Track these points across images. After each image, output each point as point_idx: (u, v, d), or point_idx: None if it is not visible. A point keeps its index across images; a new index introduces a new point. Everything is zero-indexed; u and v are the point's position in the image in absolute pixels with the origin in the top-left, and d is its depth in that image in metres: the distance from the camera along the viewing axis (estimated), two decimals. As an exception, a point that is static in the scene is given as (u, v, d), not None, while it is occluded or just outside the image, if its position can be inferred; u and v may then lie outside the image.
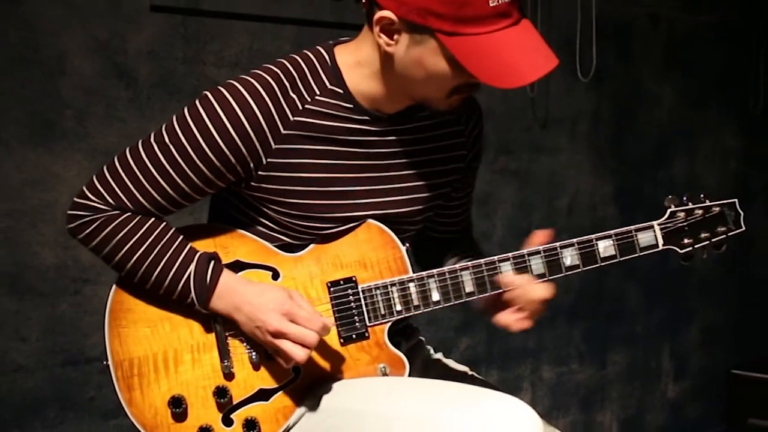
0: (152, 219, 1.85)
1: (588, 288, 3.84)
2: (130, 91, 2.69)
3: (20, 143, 2.55)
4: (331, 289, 1.89)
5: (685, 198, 1.96)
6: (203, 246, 1.87)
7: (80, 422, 2.70)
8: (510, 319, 1.90)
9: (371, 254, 1.91)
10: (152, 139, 1.82)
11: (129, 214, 1.83)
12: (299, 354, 1.76)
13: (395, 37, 1.76)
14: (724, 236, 1.96)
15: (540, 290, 1.88)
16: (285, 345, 1.76)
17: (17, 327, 2.59)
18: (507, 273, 1.90)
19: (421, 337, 2.14)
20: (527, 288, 1.88)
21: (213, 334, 1.86)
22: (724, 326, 4.38)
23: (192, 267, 1.81)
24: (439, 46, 1.73)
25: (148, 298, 1.87)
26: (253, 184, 1.84)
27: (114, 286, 1.87)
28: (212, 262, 1.82)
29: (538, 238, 1.94)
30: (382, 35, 1.76)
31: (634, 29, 3.88)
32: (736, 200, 1.96)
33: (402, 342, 1.99)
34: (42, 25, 2.55)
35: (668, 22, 3.99)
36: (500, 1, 1.69)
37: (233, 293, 1.81)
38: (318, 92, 1.85)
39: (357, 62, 1.86)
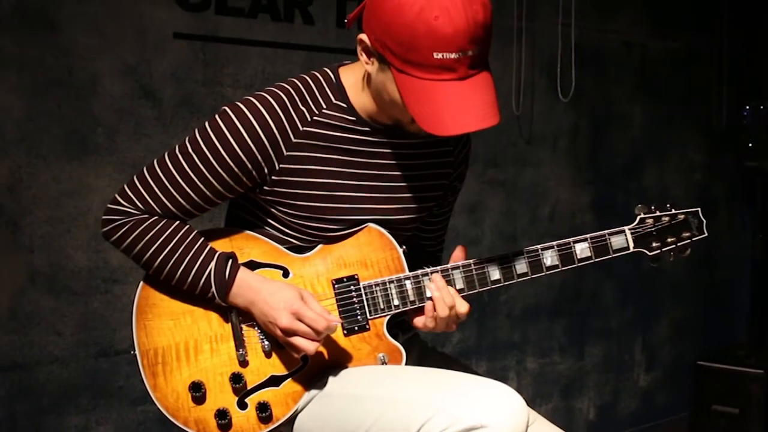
0: (177, 222, 1.86)
1: (568, 287, 3.84)
2: (155, 110, 2.70)
3: (57, 157, 2.56)
4: (336, 285, 1.90)
5: (653, 207, 1.98)
6: (222, 247, 1.88)
7: (110, 408, 2.70)
8: (422, 321, 1.91)
9: (372, 255, 1.92)
10: (177, 150, 1.84)
11: (156, 217, 1.85)
12: (308, 347, 1.78)
13: (371, 58, 1.78)
14: (689, 241, 1.98)
15: (462, 305, 1.89)
16: (294, 340, 1.78)
17: (54, 323, 2.59)
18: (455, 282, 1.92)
19: (418, 333, 2.15)
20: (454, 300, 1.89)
21: (229, 326, 1.87)
22: (690, 322, 4.38)
23: (212, 264, 1.83)
24: (393, 79, 1.74)
25: (171, 294, 1.88)
26: (266, 188, 1.86)
27: (141, 284, 1.88)
28: (230, 261, 1.84)
29: (457, 254, 1.94)
30: (362, 54, 1.79)
31: (610, 54, 3.88)
32: (699, 209, 1.98)
33: (399, 334, 2.00)
34: (77, 52, 2.56)
35: (640, 48, 3.99)
36: (445, 57, 1.67)
37: (249, 289, 1.83)
38: (324, 106, 1.87)
39: (357, 80, 1.88)
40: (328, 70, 1.91)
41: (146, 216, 1.85)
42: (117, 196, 1.87)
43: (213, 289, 1.82)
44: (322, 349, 1.86)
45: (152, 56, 2.69)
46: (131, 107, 2.66)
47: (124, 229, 1.85)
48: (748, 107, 3.85)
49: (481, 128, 1.70)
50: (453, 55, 1.67)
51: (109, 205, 1.87)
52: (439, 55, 1.67)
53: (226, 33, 2.81)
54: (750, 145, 3.85)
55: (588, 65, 3.72)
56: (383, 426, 1.72)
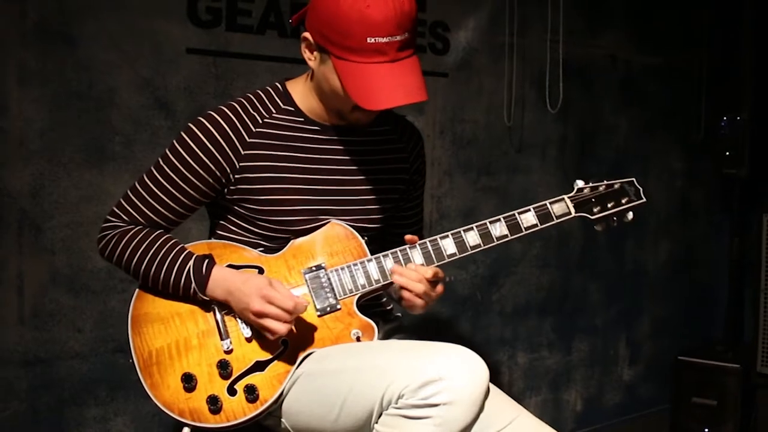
0: (158, 231, 1.96)
1: (556, 287, 3.84)
2: (169, 121, 2.70)
3: (77, 165, 2.56)
4: (306, 275, 1.96)
5: (590, 181, 2.10)
6: (201, 253, 1.96)
7: (127, 400, 2.70)
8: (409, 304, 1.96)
9: (336, 245, 1.98)
10: (153, 167, 1.97)
11: (140, 227, 1.96)
12: (279, 329, 1.84)
13: (314, 53, 1.90)
14: (629, 206, 2.08)
15: (427, 271, 1.94)
16: (266, 322, 1.83)
17: (74, 320, 2.59)
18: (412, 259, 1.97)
19: (404, 325, 2.17)
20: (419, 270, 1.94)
21: (213, 321, 1.92)
22: (671, 320, 4.37)
23: (191, 263, 1.90)
24: (333, 66, 1.84)
25: (159, 302, 1.94)
26: (231, 188, 1.95)
27: (133, 298, 1.96)
28: (206, 260, 1.91)
29: (410, 238, 2.01)
30: (306, 51, 1.91)
31: (596, 68, 3.88)
32: (634, 179, 2.07)
33: (380, 323, 2.03)
34: (96, 66, 2.56)
35: (625, 63, 3.99)
36: (377, 41, 1.78)
37: (225, 281, 1.89)
38: (274, 111, 1.99)
39: (302, 87, 2.01)
40: (276, 83, 2.05)
41: (131, 227, 1.96)
42: (107, 216, 1.99)
43: (193, 284, 1.88)
44: (300, 331, 1.90)
45: (167, 70, 2.69)
46: (147, 118, 2.67)
47: (112, 242, 1.96)
48: (725, 118, 3.85)
49: (409, 102, 1.82)
50: (383, 40, 1.78)
51: (102, 225, 2.00)
52: (372, 40, 1.78)
53: (236, 48, 2.81)
54: (727, 153, 3.85)
55: (575, 79, 3.72)
56: (357, 393, 1.75)
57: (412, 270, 1.93)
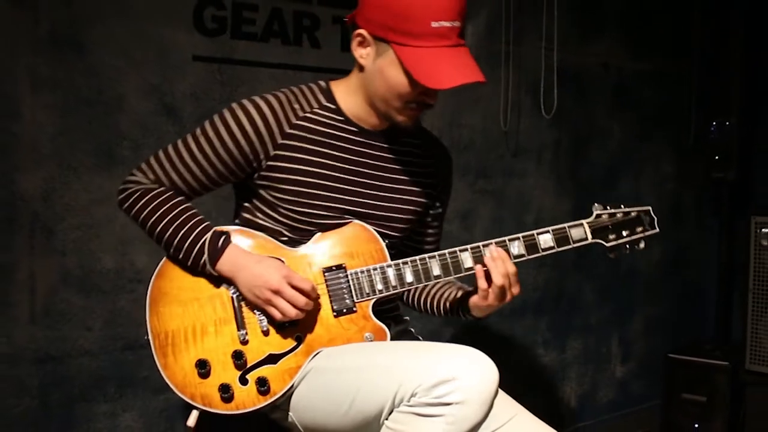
0: (182, 197, 1.94)
1: (551, 287, 3.84)
2: (176, 126, 2.70)
3: (87, 169, 2.56)
4: (326, 274, 1.94)
5: (608, 206, 2.06)
6: None
7: (135, 397, 2.70)
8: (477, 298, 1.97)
9: (357, 247, 1.96)
10: (188, 135, 1.95)
11: (164, 188, 1.93)
12: (290, 311, 1.83)
13: (367, 50, 1.88)
14: (642, 235, 2.07)
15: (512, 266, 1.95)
16: (280, 302, 1.83)
17: (84, 319, 2.59)
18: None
19: (411, 328, 2.17)
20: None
21: (231, 310, 1.90)
22: (662, 319, 4.38)
23: (208, 235, 1.89)
24: (395, 57, 1.82)
25: (180, 284, 1.91)
26: (262, 173, 1.93)
27: (153, 276, 1.92)
28: (224, 236, 1.90)
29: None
30: (358, 48, 1.89)
31: (589, 75, 3.89)
32: (650, 207, 2.06)
33: (392, 324, 2.02)
34: (105, 73, 2.57)
35: (617, 69, 4.00)
36: (441, 25, 1.78)
37: (238, 258, 1.88)
38: (316, 106, 1.97)
39: (346, 87, 1.99)
40: (320, 81, 2.02)
41: (156, 186, 1.93)
42: (133, 170, 1.96)
43: (205, 256, 1.87)
44: (314, 329, 1.90)
45: (173, 77, 2.69)
46: (154, 123, 2.67)
47: (135, 196, 1.93)
48: (714, 123, 3.86)
49: (475, 80, 1.81)
50: (447, 24, 1.79)
51: (125, 178, 1.97)
52: (436, 24, 1.78)
53: (240, 56, 2.81)
54: (716, 157, 3.86)
55: (569, 85, 3.73)
56: (369, 390, 1.74)
57: (501, 260, 1.92)
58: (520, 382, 3.77)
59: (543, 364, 3.87)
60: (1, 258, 2.45)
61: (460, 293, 2.09)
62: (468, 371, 1.67)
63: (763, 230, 3.64)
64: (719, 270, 4.12)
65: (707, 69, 4.02)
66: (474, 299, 1.98)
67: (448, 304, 2.11)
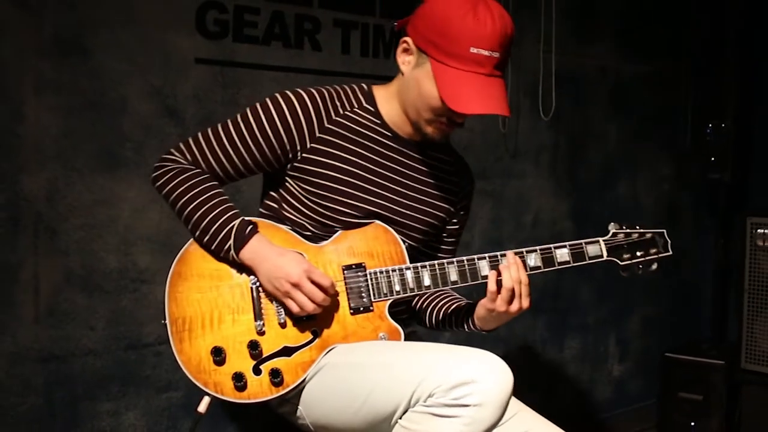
0: (215, 182, 1.95)
1: (549, 287, 3.84)
2: (178, 127, 2.70)
3: (90, 170, 2.56)
4: (345, 271, 1.94)
5: (624, 225, 2.09)
6: None
7: (138, 395, 2.71)
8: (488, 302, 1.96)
9: (378, 247, 1.97)
10: (229, 120, 1.96)
11: (199, 170, 1.94)
12: (307, 305, 1.84)
13: (409, 58, 1.92)
14: (655, 257, 2.11)
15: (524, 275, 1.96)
16: (298, 295, 1.83)
17: (87, 318, 2.60)
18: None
19: (415, 330, 2.18)
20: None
21: (250, 299, 1.89)
22: (659, 318, 4.38)
23: (236, 222, 1.88)
24: (431, 70, 1.85)
25: (200, 270, 1.91)
26: (295, 164, 1.94)
27: (175, 260, 1.91)
28: (251, 225, 1.90)
29: None
30: (401, 54, 1.94)
31: (586, 78, 3.89)
32: (665, 231, 2.08)
33: (406, 325, 2.03)
34: (108, 75, 2.57)
35: (614, 72, 4.00)
36: (479, 52, 1.81)
37: (263, 248, 1.87)
38: (356, 106, 1.99)
39: (386, 93, 2.02)
40: (362, 84, 2.05)
41: (191, 167, 1.93)
42: (171, 149, 1.97)
43: (231, 242, 1.87)
44: (330, 325, 1.91)
45: (176, 79, 2.69)
46: (157, 125, 2.67)
47: (170, 174, 1.93)
48: (710, 125, 3.86)
49: (496, 113, 1.84)
50: (485, 53, 1.82)
51: (162, 156, 1.97)
52: (475, 50, 1.81)
53: (242, 58, 2.82)
54: (712, 159, 3.86)
55: (567, 88, 3.73)
56: (384, 388, 1.74)
57: (516, 267, 1.93)
58: (517, 380, 3.76)
59: (541, 363, 3.87)
60: (6, 258, 2.45)
61: (466, 304, 2.11)
62: (487, 375, 1.67)
63: (758, 231, 3.64)
64: (715, 270, 4.13)
65: (703, 72, 4.02)
66: (482, 302, 1.98)
67: (454, 317, 2.12)
